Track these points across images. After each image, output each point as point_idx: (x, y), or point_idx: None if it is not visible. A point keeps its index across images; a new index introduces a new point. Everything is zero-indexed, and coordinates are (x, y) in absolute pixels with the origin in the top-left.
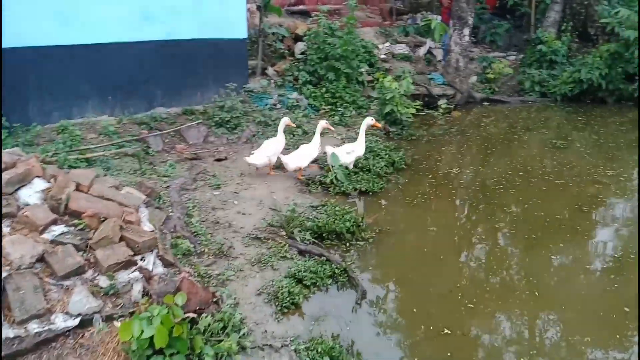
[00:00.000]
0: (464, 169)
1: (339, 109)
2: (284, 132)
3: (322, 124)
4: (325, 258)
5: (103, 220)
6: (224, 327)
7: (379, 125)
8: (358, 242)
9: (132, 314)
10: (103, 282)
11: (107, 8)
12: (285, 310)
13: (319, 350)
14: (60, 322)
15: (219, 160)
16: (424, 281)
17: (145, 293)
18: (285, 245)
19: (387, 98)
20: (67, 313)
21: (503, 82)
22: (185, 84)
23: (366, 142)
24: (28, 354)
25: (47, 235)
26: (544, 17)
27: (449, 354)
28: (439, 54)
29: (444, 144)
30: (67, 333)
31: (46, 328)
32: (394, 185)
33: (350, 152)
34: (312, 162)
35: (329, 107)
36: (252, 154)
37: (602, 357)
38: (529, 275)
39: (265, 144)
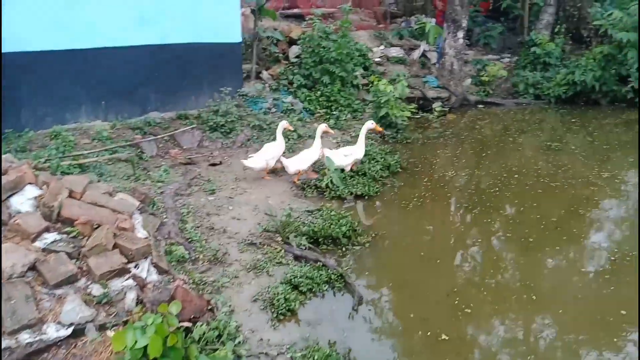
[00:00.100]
0: (459, 171)
1: (334, 112)
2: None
3: (322, 127)
4: (321, 263)
5: (96, 228)
6: (219, 336)
7: (381, 129)
8: (354, 247)
9: (125, 323)
10: (96, 290)
11: (100, 13)
12: (281, 317)
13: (316, 357)
14: (52, 332)
15: (213, 164)
16: (421, 286)
17: (139, 301)
18: (280, 250)
19: (382, 101)
20: (59, 323)
21: (497, 85)
22: (179, 88)
23: None
24: None
25: (39, 243)
26: (537, 20)
27: None
28: (433, 56)
29: (439, 147)
30: (59, 343)
31: (37, 338)
32: (389, 188)
33: (348, 155)
34: (312, 165)
35: (324, 110)
36: (251, 157)
37: None
38: (526, 279)
39: (265, 148)
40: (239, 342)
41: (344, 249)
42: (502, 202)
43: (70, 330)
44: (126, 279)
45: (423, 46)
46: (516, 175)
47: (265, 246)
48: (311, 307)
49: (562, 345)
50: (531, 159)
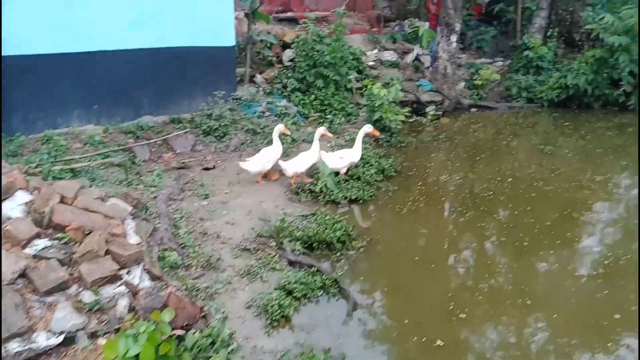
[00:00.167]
0: (453, 175)
1: (328, 116)
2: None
3: (321, 130)
4: (315, 269)
5: (88, 233)
6: (213, 343)
7: (378, 133)
8: (349, 252)
9: (117, 330)
10: (87, 297)
11: (93, 16)
12: (275, 324)
13: None
14: (42, 340)
15: (207, 169)
16: (416, 291)
17: (132, 308)
18: (275, 256)
19: (376, 105)
20: (49, 331)
21: (490, 88)
22: (172, 92)
23: None
24: None
25: (29, 250)
26: (530, 24)
27: None
28: (426, 60)
29: (432, 151)
30: (49, 352)
31: (27, 347)
32: (384, 192)
33: (343, 158)
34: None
35: (318, 114)
36: (247, 160)
37: None
38: (520, 283)
39: (263, 152)
40: (233, 350)
41: (338, 253)
42: (495, 206)
43: (61, 338)
44: (118, 286)
45: (416, 50)
46: (510, 179)
47: (259, 251)
48: (305, 313)
49: (556, 349)
50: (524, 162)
